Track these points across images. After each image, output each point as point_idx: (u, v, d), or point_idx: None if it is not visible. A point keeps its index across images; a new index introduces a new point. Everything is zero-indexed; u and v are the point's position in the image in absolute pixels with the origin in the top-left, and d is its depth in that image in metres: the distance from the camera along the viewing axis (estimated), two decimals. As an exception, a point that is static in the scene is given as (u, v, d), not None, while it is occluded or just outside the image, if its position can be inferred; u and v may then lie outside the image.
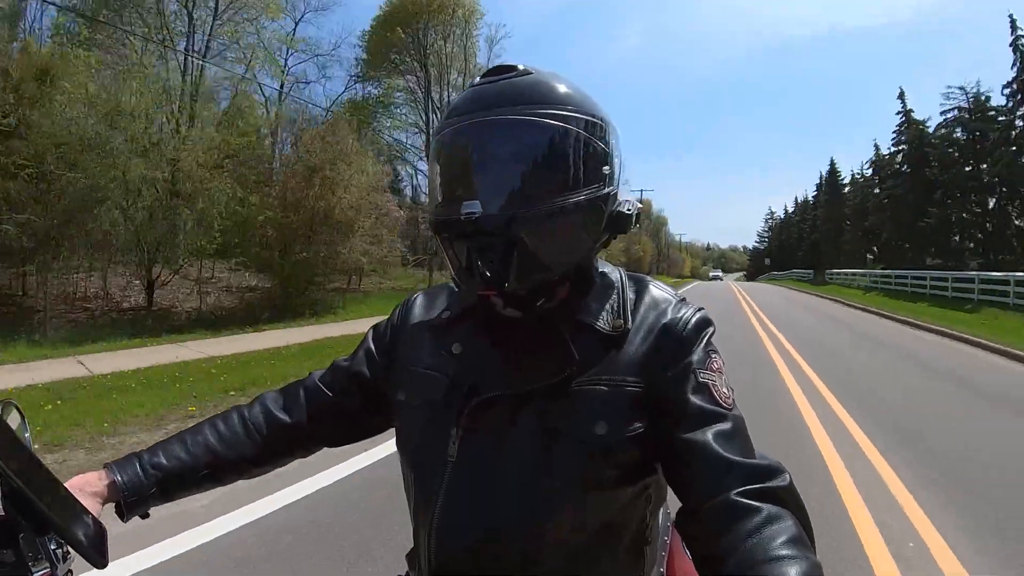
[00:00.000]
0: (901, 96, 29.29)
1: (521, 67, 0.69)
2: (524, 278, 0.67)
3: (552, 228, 0.66)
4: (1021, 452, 4.02)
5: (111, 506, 0.73)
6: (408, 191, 28.58)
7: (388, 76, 25.98)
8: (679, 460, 0.64)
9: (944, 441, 4.29)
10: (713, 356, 0.70)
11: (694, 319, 0.71)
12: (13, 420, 0.67)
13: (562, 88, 0.68)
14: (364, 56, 26.05)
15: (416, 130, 27.27)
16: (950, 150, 25.53)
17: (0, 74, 9.31)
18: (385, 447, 3.56)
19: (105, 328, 10.31)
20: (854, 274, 27.90)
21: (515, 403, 0.68)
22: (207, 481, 0.80)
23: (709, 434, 0.63)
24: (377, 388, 0.83)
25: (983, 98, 23.60)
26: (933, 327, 11.82)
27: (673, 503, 0.71)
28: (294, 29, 22.21)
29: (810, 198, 54.59)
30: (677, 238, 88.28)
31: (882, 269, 25.81)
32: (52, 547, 0.61)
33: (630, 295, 0.74)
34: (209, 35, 17.24)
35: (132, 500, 0.72)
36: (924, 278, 19.16)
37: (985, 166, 23.22)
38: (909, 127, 28.49)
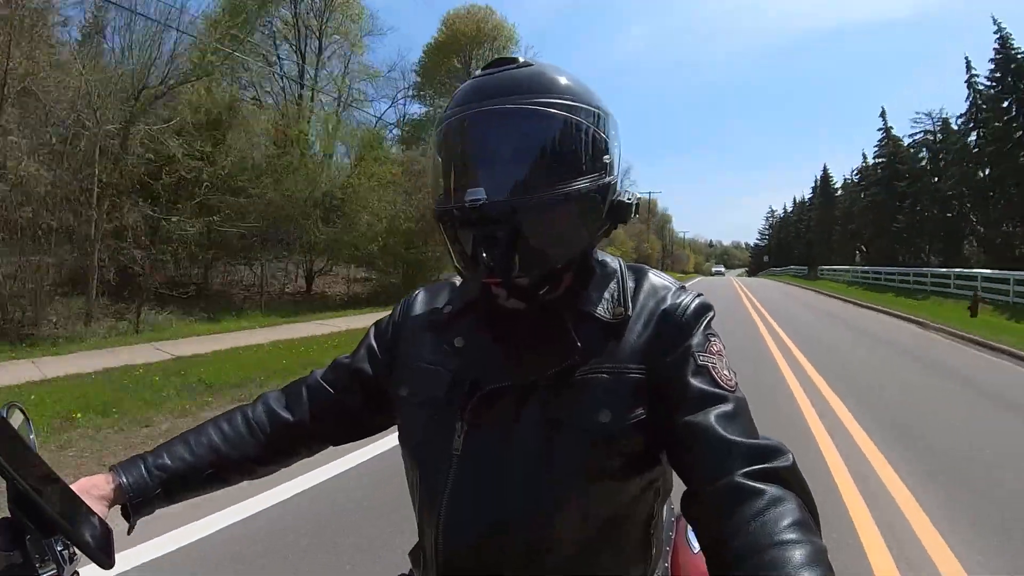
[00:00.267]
0: (883, 115, 33.72)
1: (521, 59, 0.70)
2: (528, 266, 0.67)
3: (555, 216, 0.67)
4: (949, 404, 5.40)
5: (115, 507, 0.71)
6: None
7: (438, 96, 30.07)
8: (682, 444, 0.64)
9: (892, 392, 5.75)
10: (712, 339, 0.70)
11: (693, 304, 0.71)
12: (17, 422, 0.66)
13: (562, 79, 0.69)
14: (418, 79, 30.13)
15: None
16: (919, 166, 30.09)
17: (193, 111, 12.39)
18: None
19: (283, 307, 14.37)
20: (841, 270, 32.07)
21: (519, 395, 0.68)
22: (212, 481, 0.79)
23: (711, 416, 0.62)
24: (379, 385, 0.83)
25: (946, 120, 27.92)
26: (891, 311, 15.27)
27: (676, 495, 0.70)
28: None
29: (807, 199, 58.68)
30: (681, 235, 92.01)
31: (862, 266, 30.05)
32: (59, 548, 0.61)
33: (630, 283, 0.74)
34: (316, 69, 21.32)
35: (138, 502, 0.72)
36: (893, 273, 23.32)
37: (938, 180, 27.92)
38: (888, 142, 32.93)
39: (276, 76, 18.62)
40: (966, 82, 24.50)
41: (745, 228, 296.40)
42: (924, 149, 30.04)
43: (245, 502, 2.84)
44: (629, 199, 0.73)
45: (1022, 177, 20.80)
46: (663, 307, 0.71)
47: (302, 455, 0.87)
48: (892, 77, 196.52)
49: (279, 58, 20.44)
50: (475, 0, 29.78)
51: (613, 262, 0.77)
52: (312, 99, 19.82)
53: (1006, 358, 8.38)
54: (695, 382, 0.65)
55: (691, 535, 0.89)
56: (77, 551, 0.62)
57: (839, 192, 45.90)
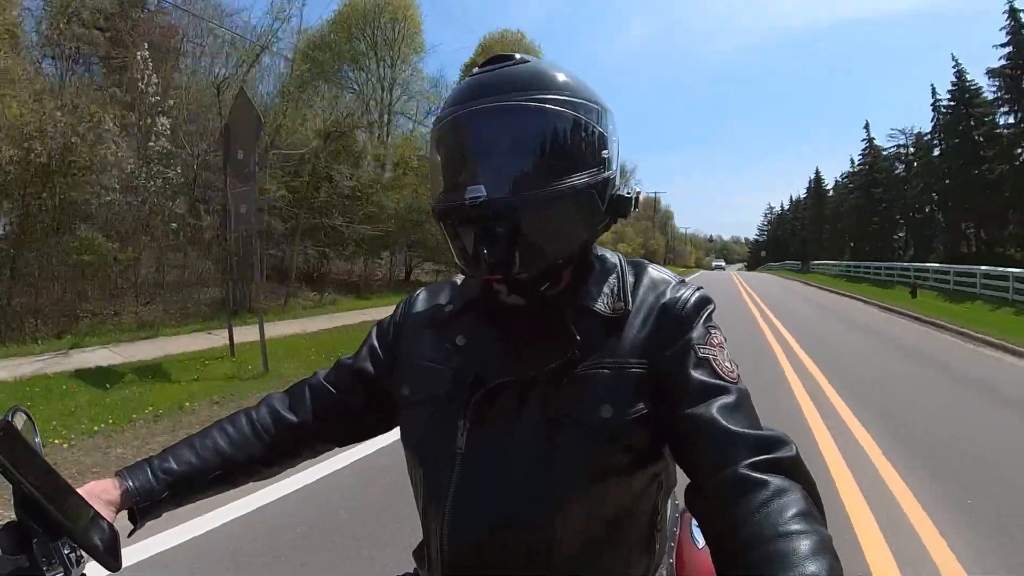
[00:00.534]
0: (867, 127, 38.33)
1: (518, 56, 0.70)
2: (529, 262, 0.67)
3: (555, 211, 0.67)
4: (886, 361, 7.02)
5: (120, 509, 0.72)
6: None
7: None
8: (685, 437, 0.64)
9: (858, 365, 6.96)
10: (713, 332, 0.69)
11: (693, 298, 0.71)
12: (23, 426, 0.66)
13: (559, 75, 0.69)
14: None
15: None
16: (895, 174, 34.64)
17: (317, 135, 16.64)
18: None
19: (389, 294, 18.55)
20: (829, 264, 36.34)
21: (520, 391, 0.68)
22: (218, 484, 0.79)
23: (713, 408, 0.62)
24: (381, 385, 0.83)
25: (919, 135, 32.25)
26: (861, 298, 18.58)
27: (680, 489, 0.69)
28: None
29: (802, 198, 62.99)
30: (683, 231, 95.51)
31: (845, 261, 34.45)
32: (66, 551, 0.62)
33: (629, 278, 0.74)
34: (391, 93, 25.44)
35: (145, 506, 0.73)
36: (869, 267, 27.62)
37: (907, 187, 32.62)
38: (870, 151, 37.44)
39: (365, 103, 22.77)
40: (931, 105, 28.95)
41: (745, 224, 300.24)
42: (896, 161, 34.75)
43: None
44: (628, 193, 0.73)
45: (974, 189, 25.08)
46: (663, 301, 0.71)
47: (307, 456, 0.87)
48: (892, 74, 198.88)
49: (358, 86, 24.57)
50: (508, 26, 33.82)
51: (612, 257, 0.77)
52: (389, 121, 24.02)
53: (932, 328, 11.57)
54: (696, 374, 0.65)
55: (696, 530, 0.89)
56: (84, 554, 0.62)
57: (830, 193, 50.23)
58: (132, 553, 2.26)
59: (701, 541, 0.86)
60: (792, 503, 0.55)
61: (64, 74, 12.74)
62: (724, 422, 0.61)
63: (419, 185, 19.82)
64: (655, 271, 0.77)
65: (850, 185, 42.07)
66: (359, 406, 0.84)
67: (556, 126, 0.67)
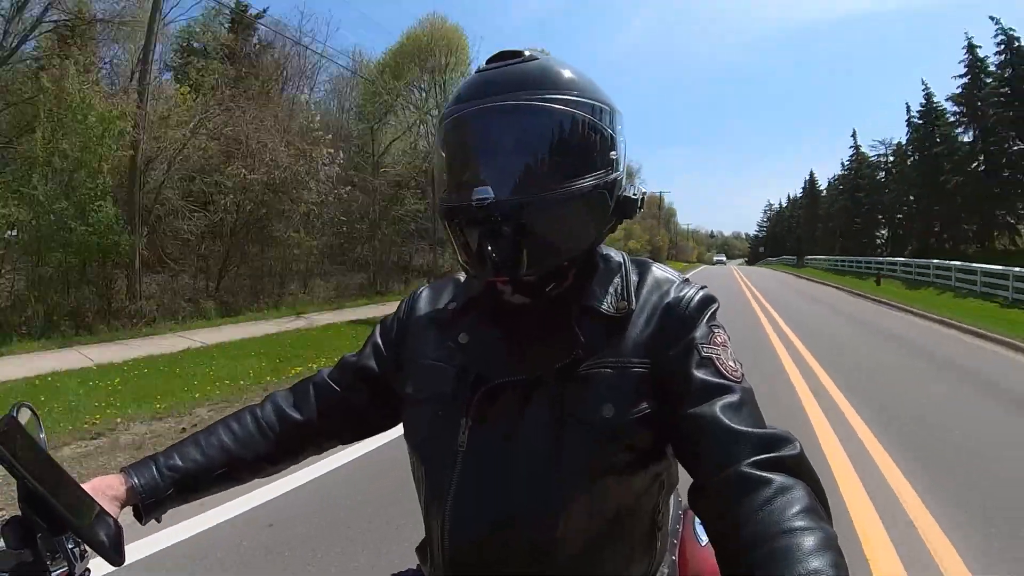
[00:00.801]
0: (854, 135, 42.76)
1: (527, 52, 0.69)
2: (536, 263, 0.67)
3: (563, 213, 0.67)
4: (855, 336, 9.01)
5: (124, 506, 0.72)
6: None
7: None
8: (688, 436, 0.64)
9: (840, 347, 8.43)
10: (716, 331, 0.69)
11: (697, 297, 0.71)
12: (28, 422, 0.67)
13: (568, 74, 0.69)
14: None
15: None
16: (877, 179, 39.16)
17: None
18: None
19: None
20: (820, 259, 40.66)
21: (523, 390, 0.68)
22: (222, 481, 0.80)
23: (716, 407, 0.62)
24: (385, 382, 0.83)
25: (900, 145, 36.56)
26: (845, 288, 22.08)
27: (684, 487, 0.70)
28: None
29: (798, 196, 67.12)
30: (685, 227, 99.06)
31: (834, 256, 38.81)
32: (69, 546, 0.62)
33: (633, 277, 0.74)
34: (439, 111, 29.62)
35: (150, 502, 0.73)
36: (853, 262, 31.86)
37: (886, 192, 37.26)
38: (856, 157, 41.91)
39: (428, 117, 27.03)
40: (906, 121, 33.42)
41: (745, 219, 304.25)
42: (878, 169, 39.39)
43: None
44: (634, 194, 0.73)
45: (940, 197, 29.38)
46: (666, 300, 0.71)
47: (311, 453, 0.88)
48: (892, 73, 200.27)
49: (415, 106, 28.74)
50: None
51: (617, 256, 0.77)
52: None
53: (890, 308, 15.09)
54: (699, 374, 0.65)
55: (699, 528, 0.90)
56: (87, 549, 0.63)
57: (824, 193, 54.46)
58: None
59: (704, 538, 0.85)
60: (796, 500, 0.54)
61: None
62: (727, 421, 0.61)
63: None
64: (659, 270, 0.76)
65: (840, 187, 46.38)
66: (363, 403, 0.85)
67: (565, 127, 0.67)
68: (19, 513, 0.60)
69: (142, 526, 0.76)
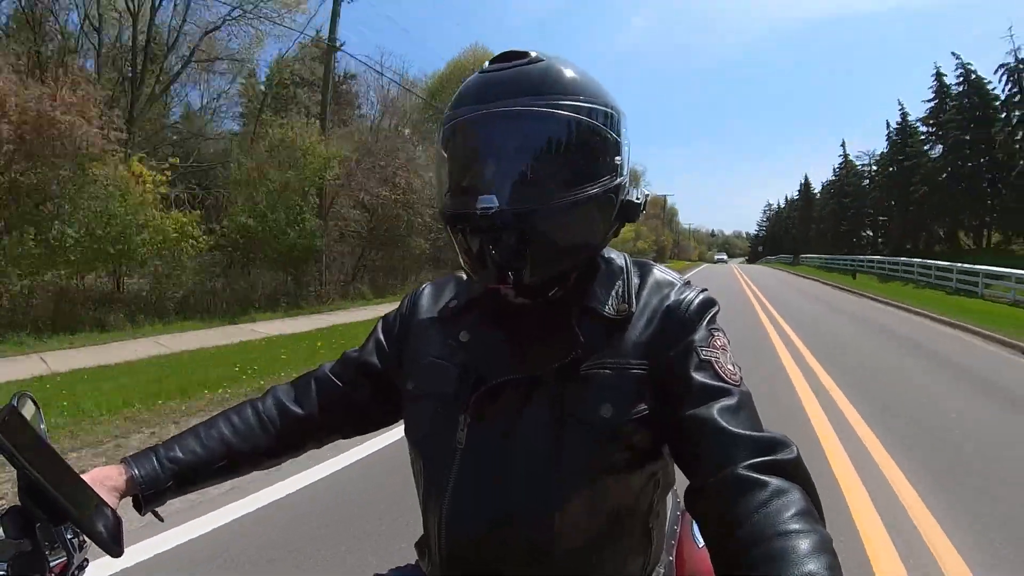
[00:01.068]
0: (843, 144, 47.70)
1: (533, 54, 0.68)
2: (539, 270, 0.67)
3: (568, 221, 0.67)
4: (839, 324, 10.65)
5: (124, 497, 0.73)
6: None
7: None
8: (685, 438, 0.64)
9: (809, 316, 12.02)
10: (716, 334, 0.70)
11: (697, 300, 0.72)
12: (28, 412, 0.66)
13: (575, 77, 0.68)
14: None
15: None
16: (861, 186, 43.63)
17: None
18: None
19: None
20: (813, 257, 44.95)
21: (523, 389, 0.69)
22: (222, 473, 0.80)
23: (714, 409, 0.63)
24: (387, 378, 0.84)
25: (883, 155, 40.91)
26: (829, 283, 24.94)
27: (681, 488, 0.69)
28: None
29: (795, 198, 71.33)
30: (686, 227, 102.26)
31: (823, 255, 43.21)
32: (68, 536, 0.63)
33: (635, 280, 0.74)
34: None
35: (150, 493, 0.73)
36: (840, 259, 36.08)
37: (869, 199, 41.86)
38: (845, 166, 46.42)
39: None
40: (886, 136, 37.99)
41: (746, 218, 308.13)
42: (863, 177, 43.98)
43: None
44: (637, 198, 0.73)
45: (911, 204, 33.92)
46: (667, 303, 0.71)
47: (312, 447, 0.88)
48: (892, 72, 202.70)
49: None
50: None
51: (619, 258, 0.77)
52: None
53: (860, 297, 18.18)
54: (698, 376, 0.65)
55: (696, 528, 0.91)
56: (86, 539, 0.63)
57: (817, 196, 58.77)
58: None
59: (702, 539, 0.82)
60: (791, 503, 0.55)
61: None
62: (725, 424, 0.61)
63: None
64: (660, 272, 0.77)
65: (831, 191, 50.73)
66: (364, 399, 0.86)
67: (570, 134, 0.66)
68: (18, 503, 0.60)
69: (141, 516, 0.76)
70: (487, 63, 0.71)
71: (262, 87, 21.80)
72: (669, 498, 0.84)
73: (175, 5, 16.45)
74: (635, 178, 0.77)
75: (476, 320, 0.77)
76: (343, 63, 22.14)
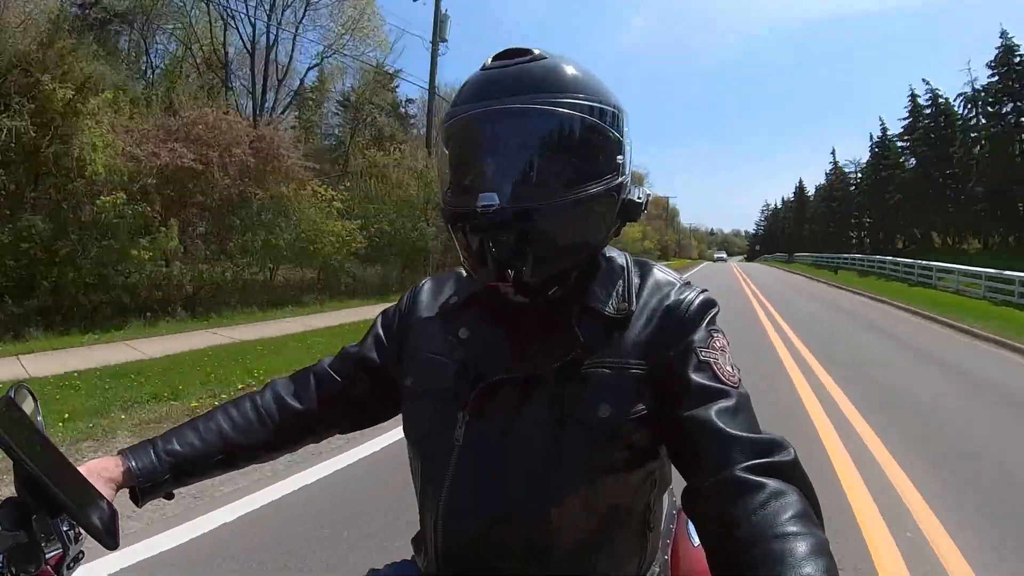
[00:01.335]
0: (833, 152, 52.12)
1: (536, 51, 0.68)
2: (540, 269, 0.67)
3: (569, 219, 0.67)
4: (818, 311, 13.46)
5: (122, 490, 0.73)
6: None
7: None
8: (683, 438, 0.64)
9: (811, 322, 12.14)
10: (715, 335, 0.70)
11: (697, 300, 0.72)
12: (26, 404, 0.66)
13: (578, 75, 0.68)
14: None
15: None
16: (849, 190, 48.12)
17: None
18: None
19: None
20: (806, 256, 49.10)
21: (521, 387, 0.69)
22: (220, 467, 0.81)
23: (712, 411, 0.63)
24: (386, 373, 0.84)
25: (868, 163, 45.43)
26: (814, 278, 29.36)
27: (676, 487, 0.71)
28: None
29: (791, 199, 75.61)
30: (687, 226, 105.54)
31: (814, 253, 47.58)
32: (64, 528, 0.62)
33: (635, 279, 0.74)
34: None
35: (147, 486, 0.73)
36: (829, 258, 40.27)
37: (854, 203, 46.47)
38: (835, 171, 50.77)
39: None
40: (868, 148, 42.83)
41: (745, 216, 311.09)
42: (849, 184, 48.57)
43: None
44: (639, 198, 0.73)
45: (887, 210, 38.57)
46: (667, 303, 0.71)
47: (310, 441, 0.88)
48: (892, 72, 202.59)
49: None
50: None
51: (620, 257, 0.77)
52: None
53: (839, 289, 21.69)
54: (697, 377, 0.65)
55: (692, 528, 0.91)
56: (82, 531, 0.64)
57: (811, 198, 63.16)
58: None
59: (697, 538, 0.82)
60: (789, 505, 0.55)
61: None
62: (723, 425, 0.61)
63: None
64: (660, 272, 0.77)
65: (822, 195, 55.15)
66: (363, 394, 0.86)
67: (573, 132, 0.66)
68: (14, 494, 0.60)
69: (138, 509, 0.76)
70: (489, 60, 0.70)
71: (342, 112, 25.79)
72: (665, 497, 0.84)
73: (277, 42, 20.61)
74: (639, 180, 1.26)
75: (476, 317, 0.77)
76: (403, 89, 26.28)
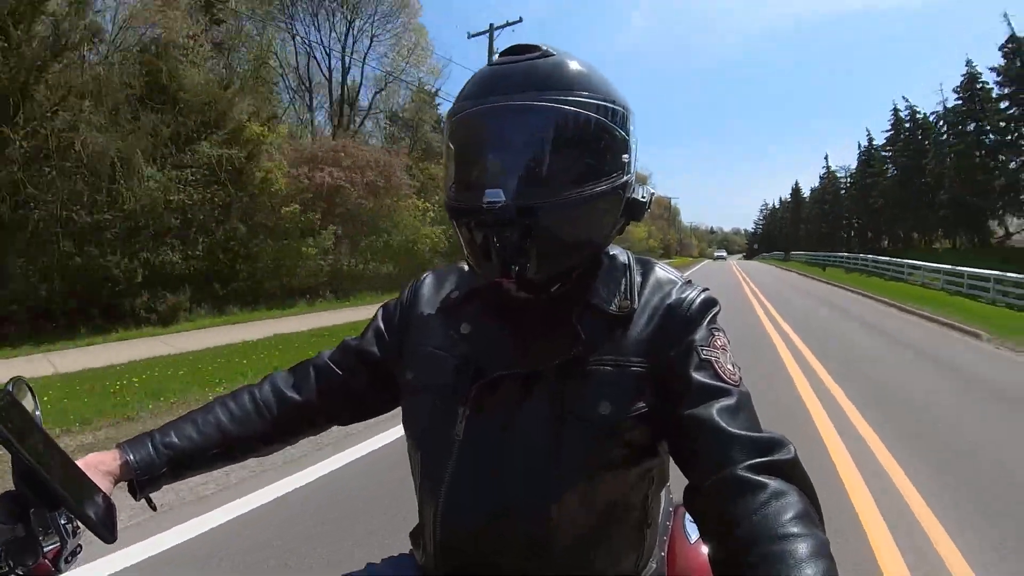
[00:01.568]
0: (826, 158, 56.76)
1: (543, 48, 0.68)
2: (544, 266, 0.68)
3: (574, 217, 0.67)
4: (808, 302, 15.34)
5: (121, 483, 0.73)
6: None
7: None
8: (684, 437, 0.65)
9: (791, 299, 17.43)
10: (716, 334, 0.70)
11: (699, 299, 0.72)
12: (24, 397, 0.67)
13: (585, 72, 0.68)
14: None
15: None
16: (840, 193, 52.23)
17: None
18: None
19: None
20: (800, 254, 52.75)
21: (522, 383, 0.69)
22: (218, 459, 0.81)
23: (713, 409, 0.63)
24: (386, 367, 0.84)
25: (852, 171, 49.65)
26: (806, 275, 30.55)
27: (678, 485, 0.70)
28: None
29: (788, 200, 79.44)
30: (688, 226, 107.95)
31: (809, 252, 51.48)
32: (62, 522, 0.63)
33: (637, 277, 0.75)
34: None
35: (144, 479, 0.74)
36: (822, 256, 44.03)
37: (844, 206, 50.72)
38: (828, 175, 54.96)
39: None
40: (856, 156, 47.07)
41: (744, 215, 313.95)
42: (839, 188, 52.75)
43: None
44: (643, 197, 0.74)
45: (872, 214, 42.81)
46: (668, 301, 0.72)
47: (309, 434, 0.89)
48: (891, 71, 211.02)
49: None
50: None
51: (622, 255, 0.78)
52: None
53: (825, 283, 23.88)
54: (698, 376, 0.66)
55: (688, 525, 0.92)
56: (80, 525, 0.64)
57: (806, 199, 67.08)
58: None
59: (694, 535, 0.86)
60: (790, 506, 0.55)
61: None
62: (723, 424, 0.62)
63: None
64: (662, 271, 0.77)
65: (816, 197, 59.15)
66: (362, 387, 0.86)
67: (579, 130, 0.66)
68: (12, 488, 0.60)
69: (136, 502, 0.76)
70: (497, 55, 0.70)
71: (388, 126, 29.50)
72: (663, 494, 0.83)
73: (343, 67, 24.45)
74: (642, 180, 0.77)
75: (478, 312, 0.77)
76: (444, 107, 29.82)
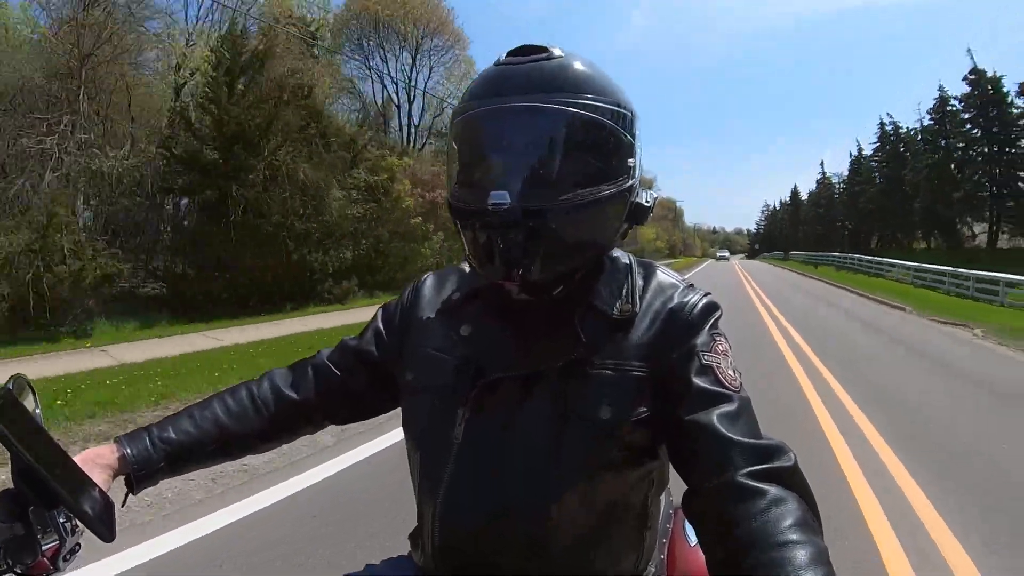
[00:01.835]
0: (822, 164, 62.19)
1: (550, 49, 0.68)
2: (547, 269, 0.68)
3: (580, 220, 0.67)
4: (800, 298, 16.99)
5: (119, 481, 0.74)
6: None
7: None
8: (684, 441, 0.65)
9: (787, 293, 19.53)
10: (718, 339, 0.70)
11: (700, 304, 0.72)
12: (24, 395, 0.67)
13: (592, 74, 0.68)
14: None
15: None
16: (834, 197, 57.30)
17: None
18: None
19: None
20: (799, 254, 56.98)
21: (522, 385, 0.69)
22: (215, 456, 0.81)
23: (713, 415, 0.63)
24: (385, 368, 0.84)
25: (845, 177, 54.59)
26: (800, 272, 35.37)
27: (678, 488, 0.71)
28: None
29: (787, 202, 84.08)
30: (690, 226, 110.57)
31: (806, 252, 56.09)
32: (61, 520, 0.62)
33: (639, 281, 0.75)
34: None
35: (141, 473, 0.74)
36: (819, 255, 48.49)
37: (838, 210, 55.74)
38: (824, 179, 60.24)
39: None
40: (848, 163, 52.02)
41: (746, 215, 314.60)
42: (833, 193, 57.88)
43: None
44: (647, 201, 0.74)
45: (861, 218, 47.58)
46: (670, 306, 0.72)
47: (306, 432, 0.89)
48: (891, 71, 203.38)
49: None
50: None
51: (624, 258, 0.78)
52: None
53: (827, 284, 25.26)
54: (699, 381, 0.66)
55: (688, 528, 0.92)
56: (79, 523, 0.64)
57: (805, 202, 71.74)
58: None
59: (694, 538, 0.84)
60: (789, 513, 0.55)
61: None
62: (724, 430, 0.62)
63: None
64: (663, 274, 0.77)
65: (812, 200, 63.96)
66: (361, 387, 0.86)
67: (587, 133, 0.66)
68: (11, 486, 0.60)
69: (134, 496, 0.76)
70: (503, 55, 0.70)
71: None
72: (663, 497, 0.83)
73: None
74: (647, 184, 0.77)
75: (479, 313, 0.77)
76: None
